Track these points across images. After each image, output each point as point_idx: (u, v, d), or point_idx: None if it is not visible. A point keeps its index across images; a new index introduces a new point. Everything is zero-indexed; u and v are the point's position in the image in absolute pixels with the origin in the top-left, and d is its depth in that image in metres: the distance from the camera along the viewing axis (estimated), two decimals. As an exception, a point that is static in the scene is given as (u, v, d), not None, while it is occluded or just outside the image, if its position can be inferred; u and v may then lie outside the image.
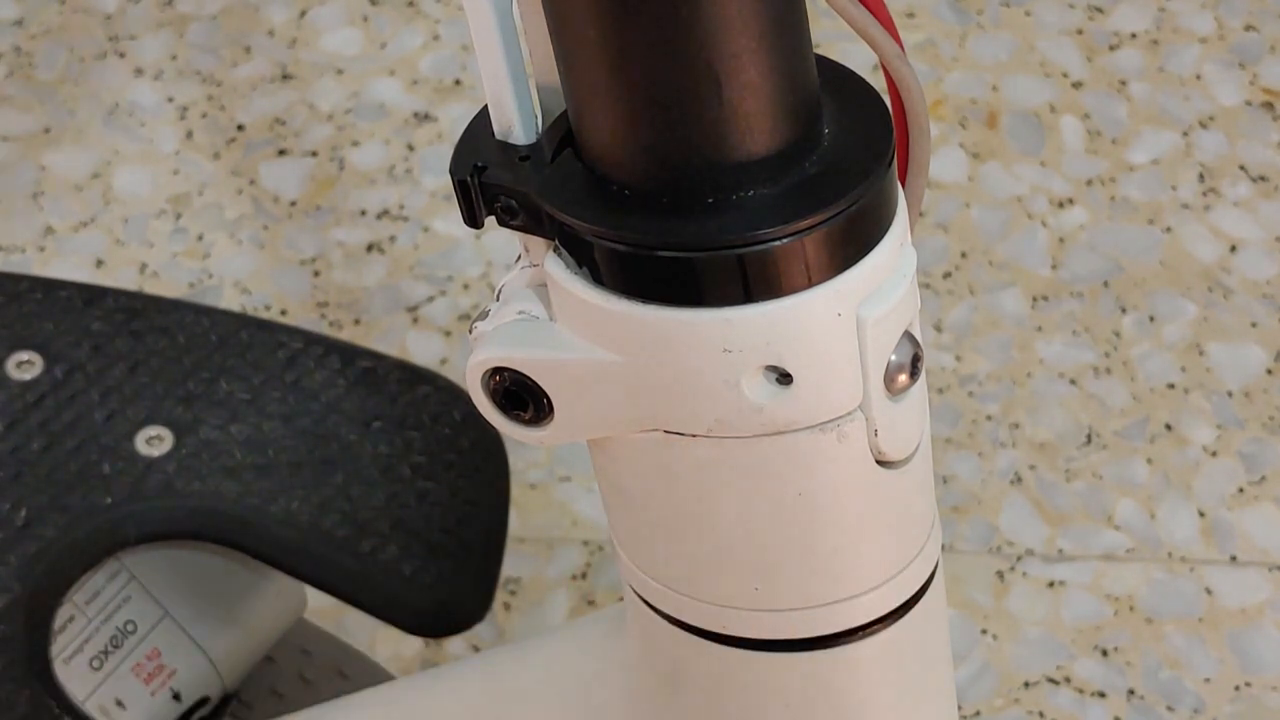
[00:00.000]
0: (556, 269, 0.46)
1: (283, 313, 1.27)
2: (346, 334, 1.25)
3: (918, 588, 0.50)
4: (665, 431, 0.46)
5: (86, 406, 0.74)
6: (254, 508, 0.73)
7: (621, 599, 0.55)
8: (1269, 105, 1.35)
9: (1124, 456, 1.18)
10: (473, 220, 0.47)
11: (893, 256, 0.45)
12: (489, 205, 0.47)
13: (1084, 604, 1.13)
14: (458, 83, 1.38)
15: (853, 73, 0.47)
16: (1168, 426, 1.20)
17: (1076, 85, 1.36)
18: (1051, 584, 1.14)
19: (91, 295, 0.78)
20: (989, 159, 1.33)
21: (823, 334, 0.44)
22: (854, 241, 0.44)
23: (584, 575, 1.15)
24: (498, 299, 0.48)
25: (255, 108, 1.37)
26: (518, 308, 0.47)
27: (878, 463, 0.47)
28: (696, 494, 0.47)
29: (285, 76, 1.39)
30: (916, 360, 0.46)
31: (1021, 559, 1.15)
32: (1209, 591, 1.14)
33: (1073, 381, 1.22)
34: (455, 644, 1.11)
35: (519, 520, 1.16)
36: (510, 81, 0.46)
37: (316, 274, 1.28)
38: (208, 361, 0.76)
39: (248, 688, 0.81)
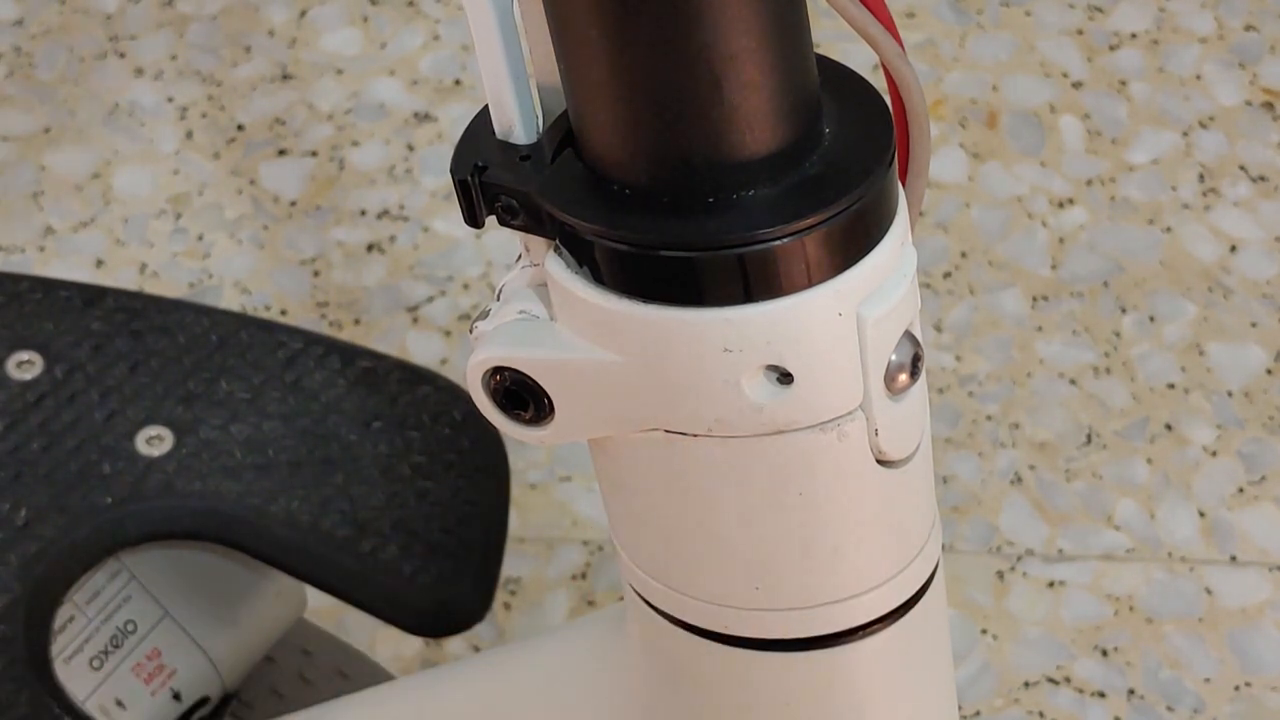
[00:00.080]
0: (557, 268, 0.46)
1: (283, 313, 1.27)
2: (346, 334, 1.25)
3: (918, 587, 0.50)
4: (666, 431, 0.46)
5: (86, 406, 0.74)
6: (254, 508, 0.73)
7: (621, 599, 0.55)
8: (1269, 105, 1.35)
9: (1124, 456, 1.19)
10: (473, 220, 0.47)
11: (893, 256, 0.45)
12: (489, 205, 0.47)
13: (1084, 604, 1.13)
14: (458, 83, 1.38)
15: (853, 72, 0.47)
16: (1168, 426, 1.20)
17: (1076, 85, 1.36)
18: (1051, 584, 1.14)
19: (91, 295, 0.78)
20: (989, 159, 1.33)
21: (823, 333, 0.44)
22: (854, 241, 0.44)
23: (584, 575, 1.15)
24: (498, 298, 0.48)
25: (255, 108, 1.37)
26: (518, 307, 0.47)
27: (878, 462, 0.47)
28: (697, 494, 0.47)
29: (285, 76, 1.39)
30: (917, 360, 0.46)
31: (1021, 559, 1.15)
32: (1209, 591, 1.14)
33: (1073, 381, 1.22)
34: (455, 644, 1.12)
35: (519, 520, 1.16)
36: (511, 81, 0.46)
37: (316, 274, 1.28)
38: (208, 361, 0.76)
39: (248, 688, 0.81)
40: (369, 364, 0.77)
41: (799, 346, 0.44)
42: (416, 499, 0.74)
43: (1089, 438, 1.19)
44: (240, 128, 1.36)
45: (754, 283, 0.43)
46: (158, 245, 1.30)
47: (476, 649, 1.11)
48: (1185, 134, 1.34)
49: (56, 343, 0.76)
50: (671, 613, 0.51)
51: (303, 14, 1.43)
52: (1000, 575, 1.14)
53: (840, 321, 0.44)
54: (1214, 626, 1.12)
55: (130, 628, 0.75)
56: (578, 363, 0.46)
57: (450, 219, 1.31)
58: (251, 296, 1.28)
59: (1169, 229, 1.29)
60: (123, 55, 1.41)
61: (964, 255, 1.28)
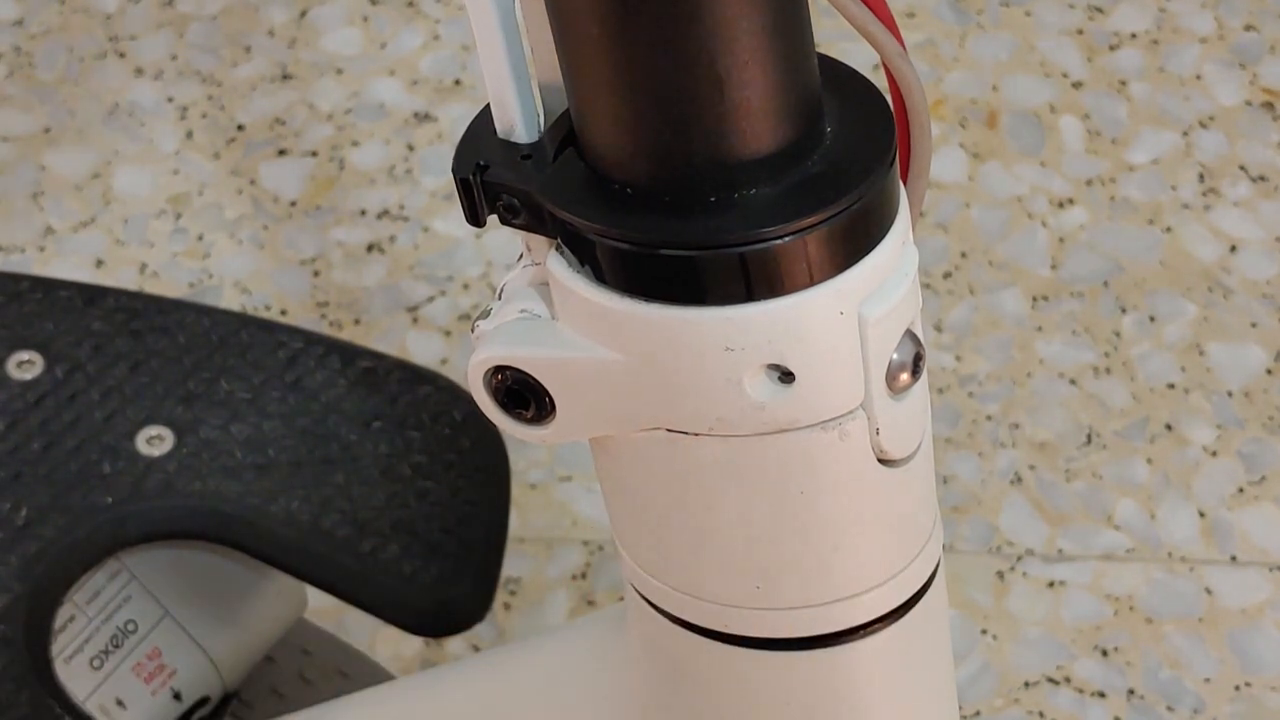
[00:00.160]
0: (558, 267, 0.46)
1: (283, 313, 1.27)
2: (346, 334, 1.25)
3: (919, 587, 0.50)
4: (667, 430, 0.46)
5: (87, 406, 0.74)
6: (254, 507, 0.73)
7: (622, 599, 0.55)
8: (1269, 105, 1.35)
9: (1124, 456, 1.18)
10: (475, 219, 0.47)
11: (894, 255, 0.45)
12: (491, 204, 0.47)
13: (1084, 604, 1.13)
14: (458, 83, 1.38)
15: (854, 71, 0.47)
16: (1168, 426, 1.20)
17: (1076, 85, 1.36)
18: (1051, 584, 1.14)
19: (91, 295, 0.78)
20: (989, 159, 1.33)
21: (825, 332, 0.44)
22: (856, 240, 0.44)
23: (584, 575, 1.15)
24: (499, 298, 0.48)
25: (255, 108, 1.37)
26: (520, 306, 0.47)
27: (879, 461, 0.47)
28: (698, 492, 0.47)
29: (285, 76, 1.39)
30: (918, 359, 0.46)
31: (1021, 559, 1.15)
32: (1209, 591, 1.14)
33: (1073, 381, 1.22)
34: (455, 644, 1.11)
35: (519, 520, 1.16)
36: (512, 80, 0.46)
37: (316, 274, 1.28)
38: (208, 361, 0.76)
39: (248, 687, 0.81)
40: (369, 364, 0.77)
41: (800, 345, 0.44)
42: (416, 499, 0.74)
43: (1089, 438, 1.19)
44: (240, 128, 1.36)
45: (755, 282, 0.43)
46: (158, 245, 1.30)
47: (476, 649, 1.11)
48: (1185, 134, 1.34)
49: (56, 343, 0.76)
50: (672, 612, 0.51)
51: (303, 14, 1.43)
52: (1000, 575, 1.14)
53: (842, 320, 0.44)
54: (1214, 626, 1.12)
55: (130, 627, 0.75)
56: (579, 362, 0.46)
57: (450, 219, 1.31)
58: (251, 296, 1.28)
59: (1169, 229, 1.29)
60: (123, 55, 1.41)
61: (964, 255, 1.28)
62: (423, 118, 1.36)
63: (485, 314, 0.48)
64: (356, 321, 1.26)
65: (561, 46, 0.44)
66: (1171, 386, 1.22)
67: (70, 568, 0.71)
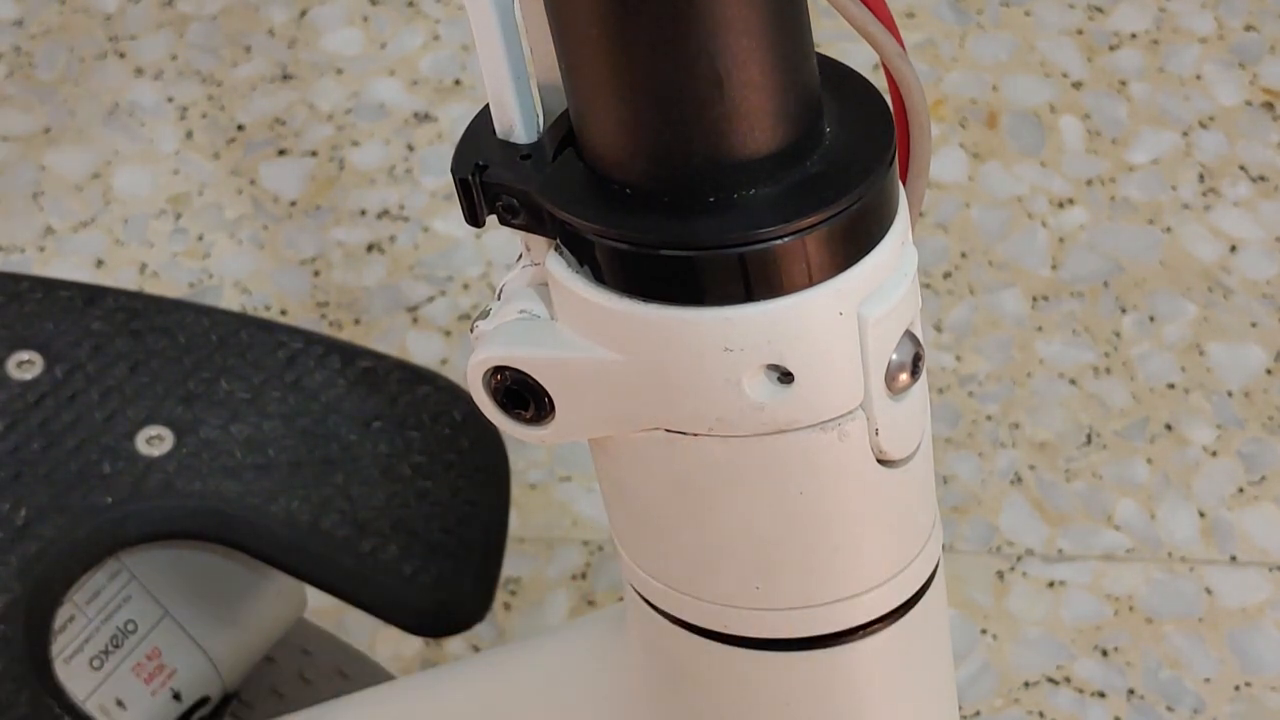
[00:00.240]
0: (558, 268, 0.46)
1: (283, 313, 1.27)
2: (346, 334, 1.25)
3: (918, 587, 0.50)
4: (666, 430, 0.46)
5: (87, 406, 0.74)
6: (254, 508, 0.73)
7: (621, 599, 0.55)
8: (1269, 105, 1.35)
9: (1124, 456, 1.19)
10: (474, 219, 0.47)
11: (894, 255, 0.45)
12: (490, 204, 0.47)
13: (1084, 604, 1.13)
14: (458, 83, 1.38)
15: (854, 72, 0.47)
16: (1168, 426, 1.20)
17: (1076, 85, 1.36)
18: (1051, 584, 1.14)
19: (91, 295, 0.78)
20: (989, 159, 1.33)
21: (824, 333, 0.44)
22: (855, 240, 0.44)
23: (584, 575, 1.15)
24: (499, 298, 0.48)
25: (255, 108, 1.37)
26: (519, 306, 0.47)
27: (879, 462, 0.47)
28: (697, 493, 0.47)
29: (285, 76, 1.39)
30: (918, 359, 0.46)
31: (1021, 559, 1.15)
32: (1209, 591, 1.14)
33: (1073, 381, 1.22)
34: (455, 644, 1.11)
35: (519, 520, 1.16)
36: (512, 80, 0.46)
37: (316, 274, 1.28)
38: (208, 361, 0.76)
39: (248, 688, 0.81)
40: (369, 364, 0.77)
41: (800, 346, 0.44)
42: (416, 499, 0.74)
43: (1089, 438, 1.19)
44: (240, 128, 1.36)
45: (755, 282, 0.43)
46: (158, 245, 1.30)
47: (476, 649, 1.11)
48: (1185, 134, 1.34)
49: (56, 343, 0.76)
50: (672, 612, 0.51)
51: (303, 14, 1.43)
52: (1000, 575, 1.14)
53: (841, 321, 0.44)
54: (1214, 626, 1.12)
55: (130, 628, 0.75)
56: (578, 362, 0.46)
57: (450, 219, 1.31)
58: (251, 296, 1.28)
59: (1169, 229, 1.29)
60: (123, 55, 1.41)
61: (964, 255, 1.28)
62: (423, 118, 1.36)
63: (484, 314, 0.48)
64: (356, 321, 1.26)
65: (560, 47, 0.44)
66: (1171, 386, 1.22)
67: (70, 568, 0.71)
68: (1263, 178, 1.31)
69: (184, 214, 1.32)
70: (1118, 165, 1.32)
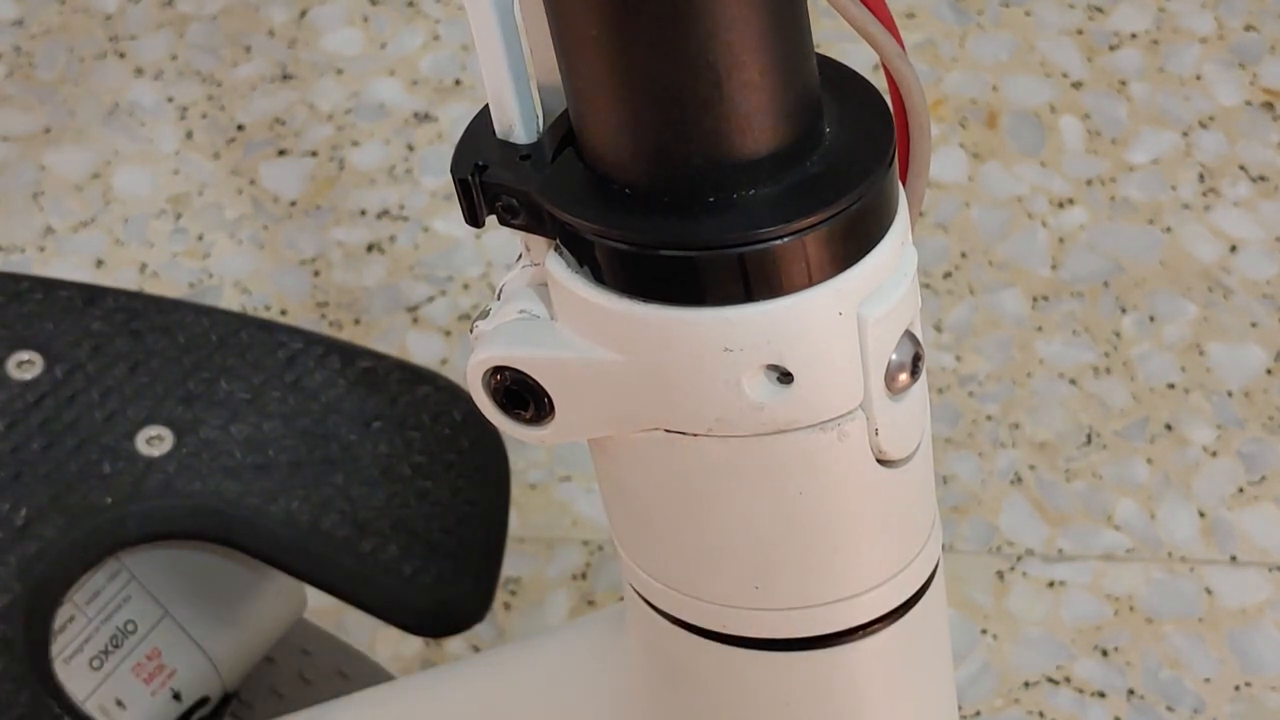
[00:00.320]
0: (557, 268, 0.46)
1: (283, 313, 1.27)
2: (346, 334, 1.25)
3: (918, 587, 0.50)
4: (666, 431, 0.46)
5: (86, 406, 0.74)
6: (254, 508, 0.73)
7: (621, 599, 0.55)
8: (1269, 105, 1.35)
9: (1124, 456, 1.19)
10: (474, 219, 0.47)
11: (894, 255, 0.45)
12: (490, 204, 0.47)
13: (1084, 604, 1.13)
14: (458, 83, 1.38)
15: (854, 72, 0.47)
16: (1168, 426, 1.20)
17: (1076, 85, 1.36)
18: (1051, 584, 1.14)
19: (91, 295, 0.78)
20: (989, 159, 1.33)
21: (823, 333, 0.44)
22: (855, 240, 0.44)
23: (584, 575, 1.15)
24: (498, 298, 0.48)
25: (255, 108, 1.37)
26: (519, 307, 0.47)
27: (878, 462, 0.47)
28: (697, 493, 0.47)
29: (285, 76, 1.39)
30: (917, 359, 0.46)
31: (1021, 559, 1.15)
32: (1209, 591, 1.14)
33: (1073, 381, 1.22)
34: (455, 644, 1.11)
35: (519, 520, 1.16)
36: (511, 80, 0.46)
37: (316, 274, 1.28)
38: (208, 361, 0.76)
39: (248, 688, 0.81)
40: (369, 364, 0.77)
41: (799, 346, 0.44)
42: (416, 499, 0.74)
43: (1089, 438, 1.19)
44: (240, 128, 1.36)
45: (754, 282, 0.43)
46: (158, 245, 1.30)
47: (476, 649, 1.11)
48: (1185, 134, 1.34)
49: (56, 343, 0.76)
50: (672, 612, 0.51)
51: (303, 14, 1.43)
52: (1000, 575, 1.14)
53: (840, 321, 0.44)
54: (1214, 626, 1.12)
55: (130, 628, 0.75)
56: (578, 362, 0.46)
57: (450, 219, 1.31)
58: (251, 296, 1.28)
59: (1169, 229, 1.29)
60: (123, 55, 1.41)
61: (964, 255, 1.28)
62: (423, 118, 1.36)
63: (484, 314, 0.48)
64: (356, 321, 1.26)
65: (560, 47, 0.44)
66: (1171, 386, 1.22)
67: (70, 568, 0.71)
68: (1263, 178, 1.31)
69: (184, 214, 1.32)
70: (1118, 165, 1.32)
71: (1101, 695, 1.10)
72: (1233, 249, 1.28)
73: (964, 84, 1.37)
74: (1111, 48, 1.38)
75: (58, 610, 0.71)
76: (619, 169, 0.45)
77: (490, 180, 0.46)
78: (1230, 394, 1.21)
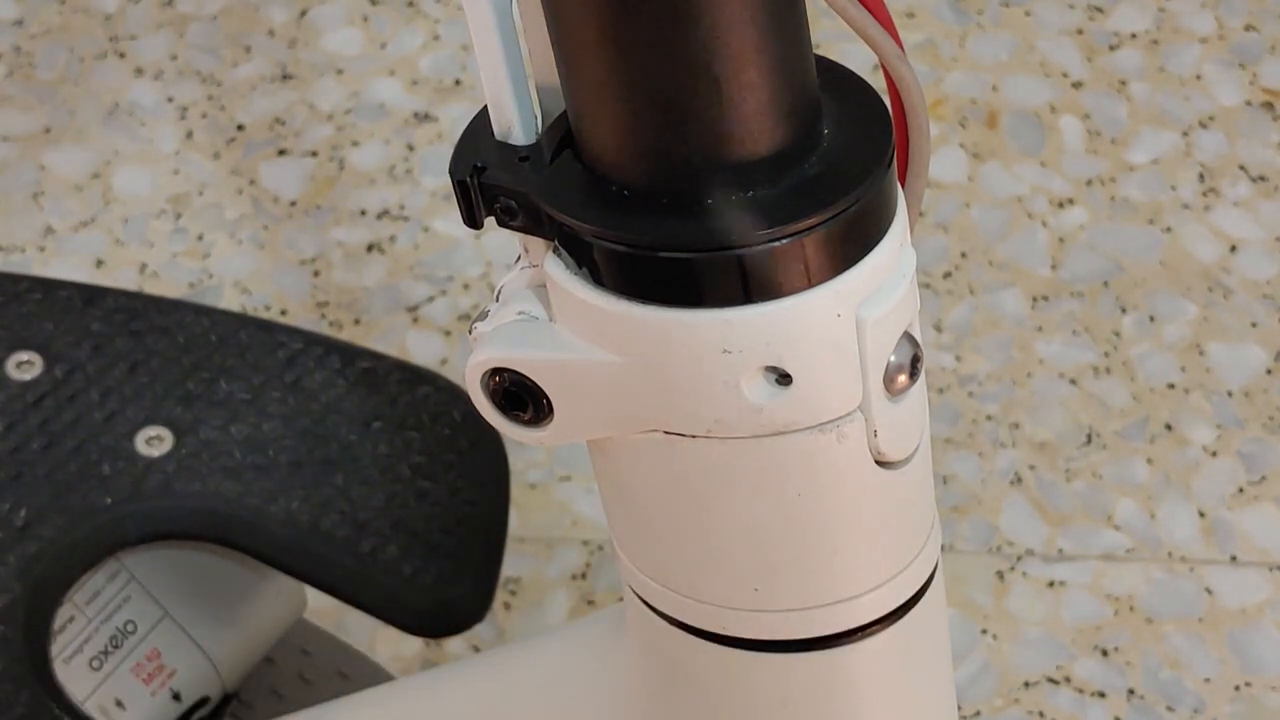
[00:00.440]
0: (556, 269, 0.46)
1: (283, 313, 1.27)
2: (346, 334, 1.25)
3: (917, 588, 0.50)
4: (665, 432, 0.46)
5: (86, 406, 0.74)
6: (254, 508, 0.73)
7: (621, 599, 0.55)
8: (1269, 105, 1.35)
9: (1124, 456, 1.19)
10: (472, 221, 0.47)
11: (892, 257, 0.45)
12: (488, 206, 0.47)
13: (1084, 604, 1.13)
14: (458, 83, 1.38)
15: (852, 73, 0.47)
16: (1168, 426, 1.20)
17: (1076, 85, 1.36)
18: (1051, 584, 1.14)
19: (91, 295, 0.78)
20: (989, 159, 1.33)
21: (822, 334, 0.44)
22: (854, 242, 0.44)
23: (584, 575, 1.15)
24: (497, 299, 0.48)
25: (255, 108, 1.37)
26: (517, 308, 0.47)
27: (877, 463, 0.47)
28: (696, 495, 0.47)
29: (285, 76, 1.39)
30: (916, 361, 0.46)
31: (1021, 559, 1.15)
32: (1209, 591, 1.14)
33: (1073, 381, 1.22)
34: (455, 644, 1.12)
35: (519, 520, 1.16)
36: (510, 82, 0.46)
37: (316, 274, 1.29)
38: (208, 361, 0.76)
39: (248, 688, 0.81)
40: (369, 364, 0.77)
41: (798, 347, 0.44)
42: (416, 499, 0.74)
43: (1089, 438, 1.19)
44: (240, 128, 1.36)
45: (753, 284, 0.43)
46: (158, 245, 1.31)
47: (476, 649, 1.11)
48: (1185, 134, 1.34)
49: (56, 343, 0.76)
50: (671, 614, 0.51)
51: (303, 14, 1.43)
52: (1000, 575, 1.14)
53: (839, 322, 0.44)
54: (1214, 626, 1.12)
55: (130, 628, 0.75)
56: (577, 364, 0.46)
57: (450, 219, 1.31)
58: (251, 296, 1.28)
59: (1169, 229, 1.29)
60: (123, 55, 1.41)
61: (964, 255, 1.28)
62: (423, 118, 1.36)
63: (483, 316, 0.48)
64: (356, 321, 1.26)
65: (559, 48, 0.44)
66: (1171, 386, 1.22)
67: (70, 568, 0.71)
68: (1263, 178, 1.31)
69: (184, 214, 1.32)
70: (1118, 165, 1.32)
71: (1101, 695, 1.10)
72: (1233, 249, 1.28)
73: (964, 84, 1.37)
74: (1111, 48, 1.38)
75: (58, 610, 0.71)
76: (618, 170, 0.45)
77: (489, 181, 0.46)
78: (1230, 394, 1.21)
